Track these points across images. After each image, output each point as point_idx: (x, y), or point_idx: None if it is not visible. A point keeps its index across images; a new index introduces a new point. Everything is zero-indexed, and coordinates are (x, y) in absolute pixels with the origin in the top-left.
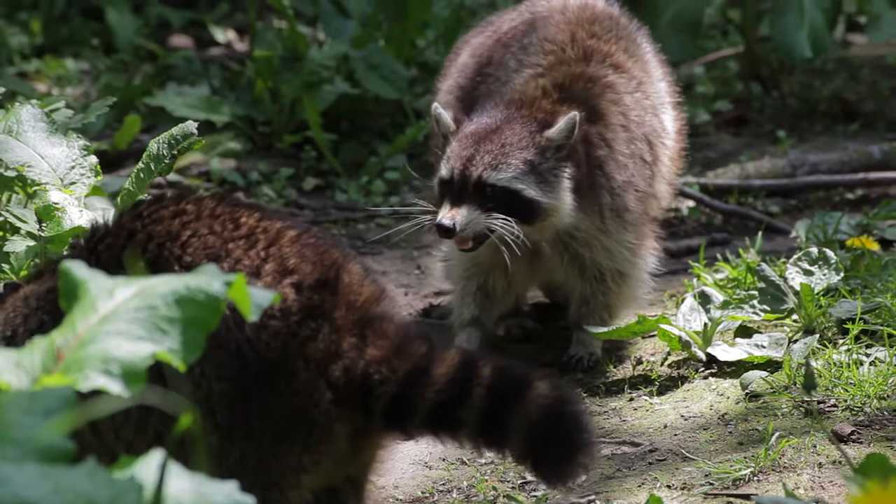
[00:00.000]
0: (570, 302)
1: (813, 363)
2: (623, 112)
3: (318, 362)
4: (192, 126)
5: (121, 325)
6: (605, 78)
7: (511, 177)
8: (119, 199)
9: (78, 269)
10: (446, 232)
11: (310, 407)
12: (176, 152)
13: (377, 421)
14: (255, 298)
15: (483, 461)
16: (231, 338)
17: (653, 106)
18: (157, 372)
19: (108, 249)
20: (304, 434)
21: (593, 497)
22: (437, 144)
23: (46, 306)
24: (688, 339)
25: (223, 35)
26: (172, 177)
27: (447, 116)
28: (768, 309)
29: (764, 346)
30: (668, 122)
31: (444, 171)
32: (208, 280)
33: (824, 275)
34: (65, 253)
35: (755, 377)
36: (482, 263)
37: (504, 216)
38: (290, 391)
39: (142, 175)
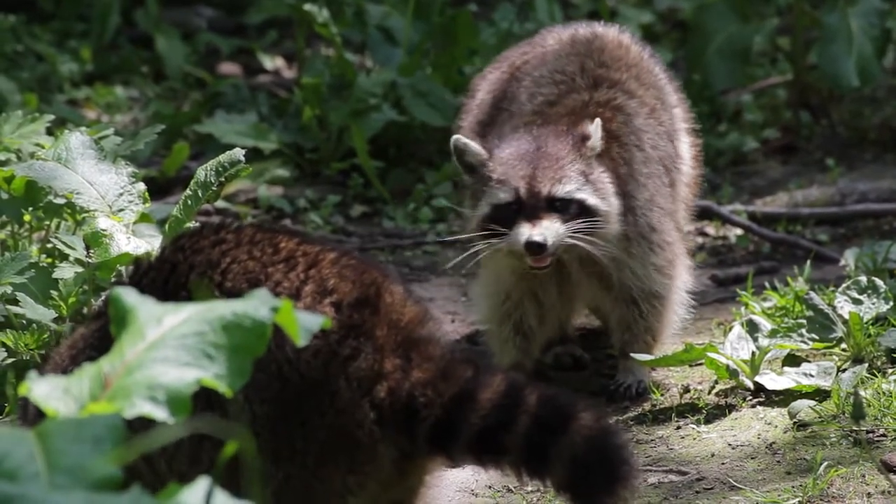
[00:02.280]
0: (612, 329)
1: (862, 392)
2: (636, 134)
3: (360, 381)
4: (239, 153)
5: (168, 352)
6: (614, 101)
7: (575, 188)
8: (167, 226)
9: (128, 295)
10: (539, 248)
11: (353, 427)
12: (223, 179)
13: (420, 444)
14: (304, 323)
15: (530, 489)
16: (272, 359)
17: (667, 132)
18: (207, 399)
19: (152, 283)
20: (348, 455)
21: None
22: (461, 177)
23: (95, 343)
24: (735, 367)
25: (271, 62)
26: (220, 204)
27: (475, 145)
28: (817, 338)
29: (812, 375)
30: (683, 149)
31: (502, 194)
32: (255, 305)
33: (873, 304)
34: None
35: (803, 406)
36: (512, 296)
37: (584, 221)
38: (333, 411)
39: (189, 202)
